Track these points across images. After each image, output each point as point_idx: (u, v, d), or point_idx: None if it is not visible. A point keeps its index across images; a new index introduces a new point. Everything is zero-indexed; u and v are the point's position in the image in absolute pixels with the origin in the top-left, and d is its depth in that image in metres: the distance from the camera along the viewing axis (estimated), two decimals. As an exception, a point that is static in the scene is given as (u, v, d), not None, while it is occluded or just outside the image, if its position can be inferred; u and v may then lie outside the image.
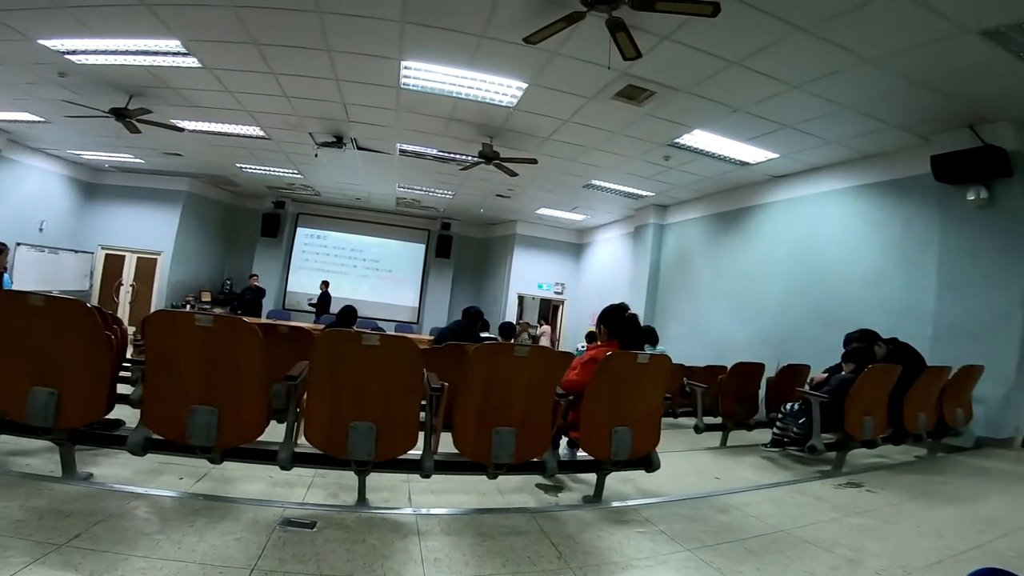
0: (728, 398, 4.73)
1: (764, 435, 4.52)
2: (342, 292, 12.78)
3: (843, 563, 2.19)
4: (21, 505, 1.97)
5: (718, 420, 4.80)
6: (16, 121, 7.72)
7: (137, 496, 2.21)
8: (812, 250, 6.64)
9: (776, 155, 6.37)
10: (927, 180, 5.15)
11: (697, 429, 4.63)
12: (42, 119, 7.52)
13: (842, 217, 6.34)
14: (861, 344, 4.21)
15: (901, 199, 5.70)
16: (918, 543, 2.43)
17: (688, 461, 3.97)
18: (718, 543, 2.33)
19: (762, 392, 5.05)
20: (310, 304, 11.92)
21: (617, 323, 2.99)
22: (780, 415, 4.24)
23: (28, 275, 8.80)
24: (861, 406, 3.66)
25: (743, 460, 4.10)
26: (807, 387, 4.53)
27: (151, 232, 11.19)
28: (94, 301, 10.29)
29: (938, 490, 3.36)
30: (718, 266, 8.28)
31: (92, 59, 5.20)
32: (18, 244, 8.94)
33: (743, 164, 6.80)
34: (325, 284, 11.99)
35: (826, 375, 4.37)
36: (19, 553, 1.64)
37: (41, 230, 10.00)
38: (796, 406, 4.13)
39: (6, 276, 4.70)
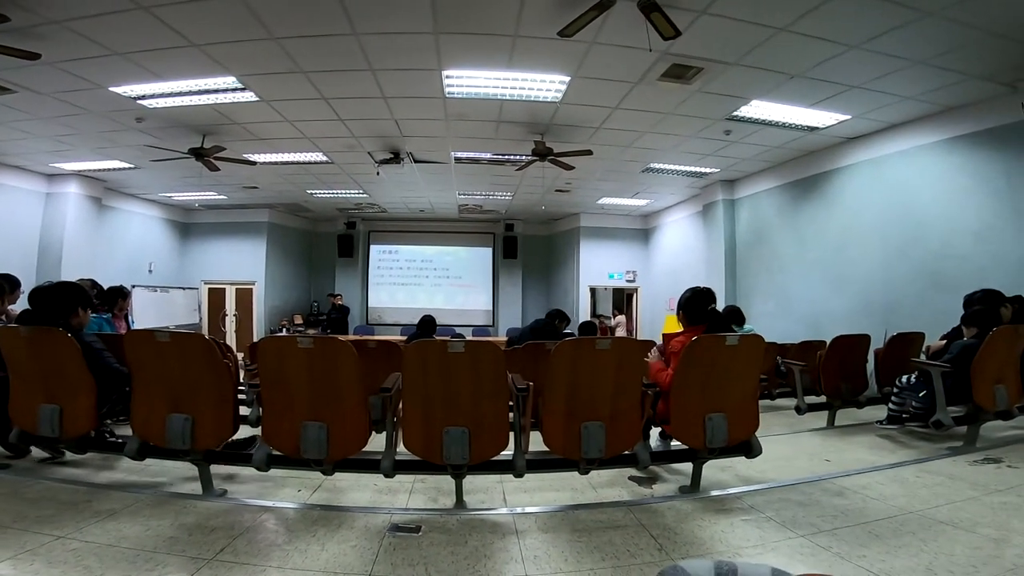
0: (831, 375, 4.40)
1: (877, 412, 4.18)
2: (417, 303, 13.30)
3: (986, 543, 1.99)
4: (172, 523, 2.21)
5: (822, 399, 4.48)
6: (108, 170, 8.52)
7: (266, 509, 2.43)
8: (908, 209, 6.05)
9: (847, 116, 5.91)
10: (1024, 127, 4.57)
11: (799, 410, 4.36)
12: (131, 165, 8.22)
13: (937, 172, 5.75)
14: (982, 306, 3.77)
15: (1000, 148, 5.12)
16: (1076, 520, 2.15)
17: (792, 444, 3.75)
18: (836, 528, 2.19)
19: (871, 366, 4.65)
20: (322, 317, 12.51)
21: (699, 312, 2.85)
22: (895, 389, 3.90)
23: (147, 315, 9.64)
24: (989, 374, 3.28)
25: (856, 440, 3.82)
26: (923, 357, 4.13)
27: (243, 263, 12.17)
28: (204, 332, 11.38)
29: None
30: (801, 236, 7.74)
31: (162, 102, 5.64)
32: (133, 287, 9.56)
33: (812, 129, 6.35)
34: (337, 297, 12.69)
35: (944, 342, 3.95)
36: (175, 569, 1.83)
37: (151, 271, 11.11)
38: (913, 378, 3.78)
39: (129, 318, 5.20)
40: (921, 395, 3.62)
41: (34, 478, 2.72)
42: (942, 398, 3.35)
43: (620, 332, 11.76)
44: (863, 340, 4.64)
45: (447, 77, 5.13)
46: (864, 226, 6.63)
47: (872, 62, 4.55)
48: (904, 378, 3.86)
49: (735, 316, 5.13)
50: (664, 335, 4.54)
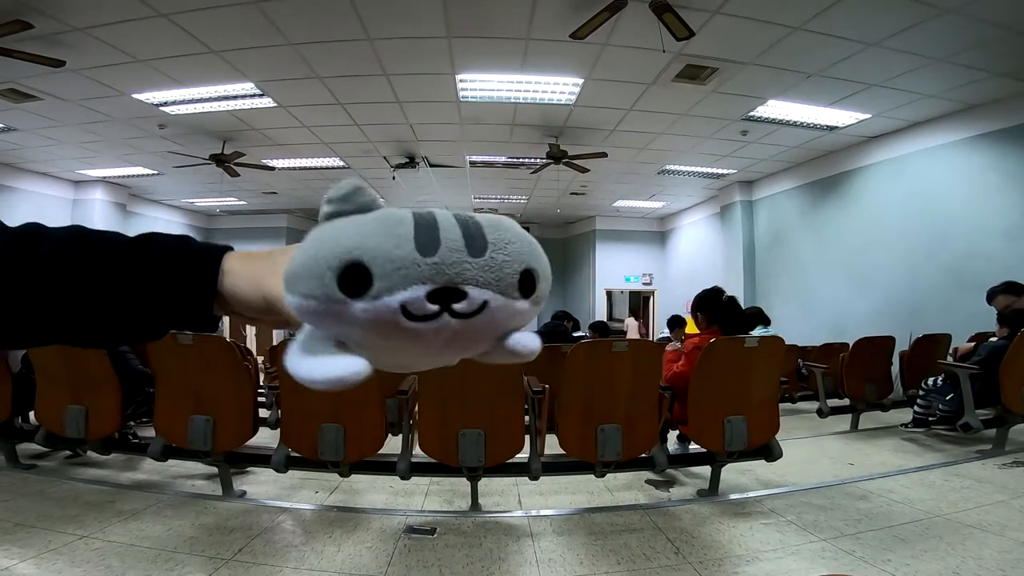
0: (854, 377, 4.29)
1: (902, 415, 4.07)
2: (433, 307, 13.36)
3: (1016, 546, 1.93)
4: (192, 523, 2.25)
5: (845, 402, 4.38)
6: (133, 176, 8.76)
7: (283, 510, 2.46)
8: (932, 209, 5.92)
9: (867, 115, 5.82)
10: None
11: (821, 413, 4.27)
12: (154, 171, 8.43)
13: (962, 171, 5.61)
14: (1006, 297, 3.66)
15: (1025, 145, 5.00)
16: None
17: (814, 448, 3.67)
18: (859, 532, 2.13)
19: (895, 368, 4.54)
20: None
21: (715, 308, 2.83)
22: (921, 392, 3.80)
23: (173, 321, 10.01)
24: (1019, 375, 3.18)
25: (880, 443, 3.72)
26: (950, 359, 4.01)
27: (262, 268, 12.43)
28: (225, 335, 11.54)
29: None
30: (821, 237, 7.60)
31: (183, 108, 5.78)
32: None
33: (831, 129, 6.26)
34: None
35: (973, 344, 3.84)
36: (194, 569, 1.85)
37: (177, 277, 11.44)
38: (940, 380, 3.67)
39: None
40: (948, 398, 3.51)
41: (59, 478, 2.79)
42: (970, 401, 3.25)
43: (631, 336, 11.65)
44: (888, 342, 4.52)
45: (461, 81, 5.17)
46: (887, 226, 6.49)
47: (891, 60, 4.48)
48: (931, 380, 3.76)
49: (759, 317, 5.03)
50: (686, 334, 4.49)
